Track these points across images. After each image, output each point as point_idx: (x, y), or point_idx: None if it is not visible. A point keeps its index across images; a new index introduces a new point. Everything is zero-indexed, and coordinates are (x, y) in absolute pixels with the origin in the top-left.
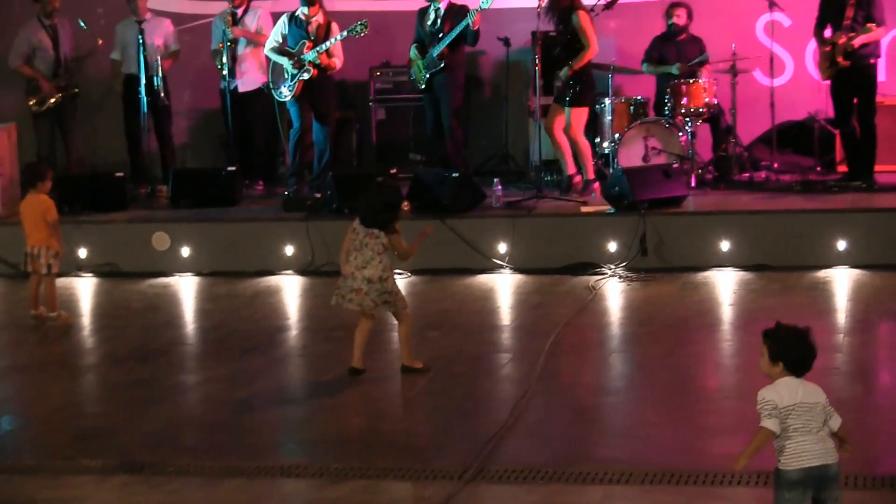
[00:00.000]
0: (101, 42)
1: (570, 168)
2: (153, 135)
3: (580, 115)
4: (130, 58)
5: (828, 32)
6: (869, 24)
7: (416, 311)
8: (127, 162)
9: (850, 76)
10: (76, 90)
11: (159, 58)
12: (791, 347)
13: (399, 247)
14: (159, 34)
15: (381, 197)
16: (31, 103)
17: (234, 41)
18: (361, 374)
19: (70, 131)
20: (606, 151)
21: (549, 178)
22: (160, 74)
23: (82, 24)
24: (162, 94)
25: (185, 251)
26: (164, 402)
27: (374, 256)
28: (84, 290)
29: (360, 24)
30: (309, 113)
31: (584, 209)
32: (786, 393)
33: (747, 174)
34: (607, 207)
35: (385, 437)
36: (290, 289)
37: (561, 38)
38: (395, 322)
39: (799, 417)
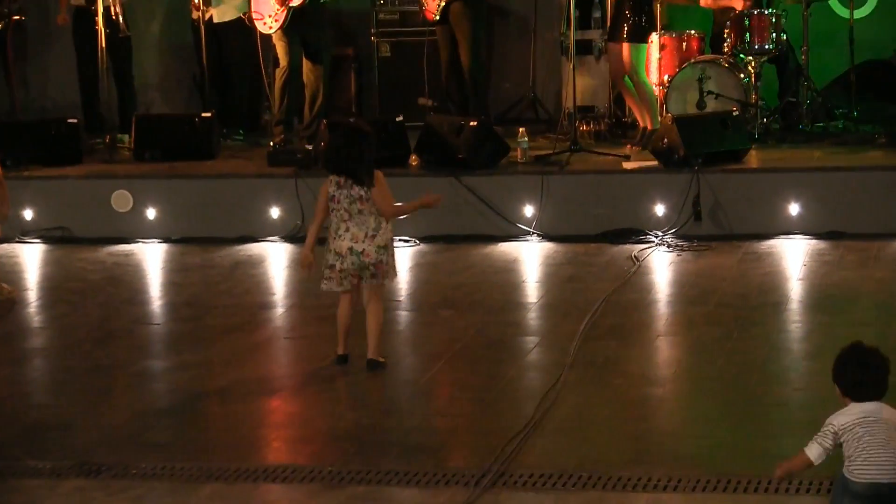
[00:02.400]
0: None
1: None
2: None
3: (643, 54)
4: None
5: None
6: None
7: (427, 286)
8: (81, 106)
9: None
10: (21, 17)
11: None
12: (843, 366)
13: (384, 198)
14: None
15: (349, 136)
16: None
17: None
18: (346, 362)
19: (14, 68)
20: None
21: (586, 126)
22: None
23: None
24: (121, 22)
25: (151, 213)
26: (126, 392)
27: (378, 220)
28: (31, 258)
29: None
30: (299, 49)
31: (626, 165)
32: (856, 413)
33: (821, 124)
34: (654, 163)
35: (389, 435)
36: (276, 258)
37: None
38: (368, 300)
39: (871, 428)
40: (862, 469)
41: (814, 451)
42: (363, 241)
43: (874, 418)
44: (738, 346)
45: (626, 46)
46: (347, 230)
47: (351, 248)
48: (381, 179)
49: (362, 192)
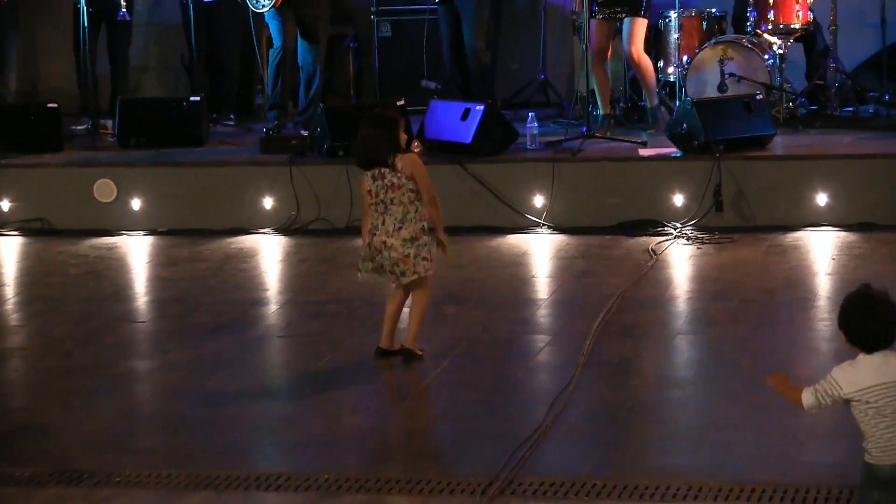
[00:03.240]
0: None
1: (653, 97)
2: (100, 56)
3: (643, 29)
4: None
5: None
6: None
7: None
8: (72, 89)
9: None
10: None
11: None
12: (849, 315)
13: (426, 190)
14: None
15: (373, 124)
16: None
17: None
18: (389, 356)
19: (9, 47)
20: (672, 79)
21: (596, 112)
22: None
23: None
24: (123, 3)
25: (136, 203)
26: (110, 394)
27: (407, 209)
28: (8, 251)
29: None
30: (294, 28)
31: (643, 152)
32: (864, 372)
33: (851, 108)
34: (673, 149)
35: (390, 440)
36: (269, 251)
37: None
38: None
39: (880, 403)
40: (885, 452)
41: (809, 400)
42: (392, 235)
43: (885, 386)
44: (762, 346)
45: (627, 20)
46: (383, 223)
47: (384, 243)
48: (419, 162)
49: (394, 179)
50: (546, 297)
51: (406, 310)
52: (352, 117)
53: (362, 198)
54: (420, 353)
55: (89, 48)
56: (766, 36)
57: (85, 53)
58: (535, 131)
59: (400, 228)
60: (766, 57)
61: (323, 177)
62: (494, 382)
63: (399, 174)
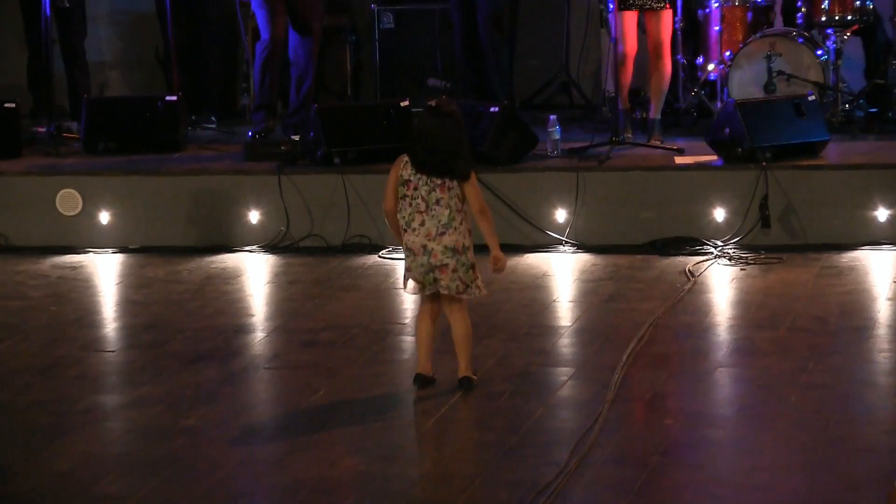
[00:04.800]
0: None
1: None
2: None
3: (670, 22)
4: None
5: None
6: None
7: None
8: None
9: None
10: None
11: None
12: None
13: (476, 199)
14: None
15: (448, 130)
16: None
17: None
18: (431, 384)
19: None
20: (712, 77)
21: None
22: None
23: None
24: None
25: (105, 217)
26: (75, 432)
27: (453, 215)
28: None
29: None
30: (284, 18)
31: (679, 160)
32: None
33: None
34: (714, 157)
35: (392, 486)
36: (255, 272)
37: None
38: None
39: None
40: None
41: None
42: (433, 239)
43: None
44: (814, 380)
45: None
46: (423, 224)
47: (424, 247)
48: (474, 176)
49: (446, 178)
50: (569, 324)
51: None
52: (349, 120)
53: (388, 185)
54: (475, 377)
55: (42, 40)
56: (819, 29)
57: (39, 47)
58: (557, 136)
59: (443, 234)
60: (820, 52)
61: (316, 187)
62: (510, 421)
63: (455, 185)
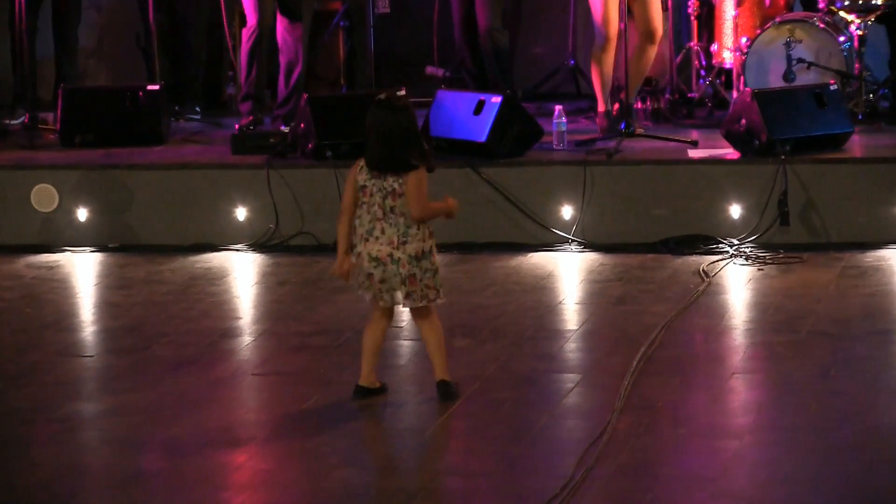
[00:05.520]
0: None
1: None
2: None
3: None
4: None
5: None
6: None
7: (438, 308)
8: (6, 75)
9: None
10: None
11: None
12: None
13: (416, 200)
14: None
15: (398, 118)
16: None
17: None
18: (373, 395)
19: None
20: (728, 65)
21: (642, 103)
22: None
23: None
24: None
25: (83, 214)
26: (51, 443)
27: (409, 223)
28: None
29: None
30: (272, 2)
31: (693, 153)
32: None
33: None
34: (730, 151)
35: (387, 500)
36: (242, 272)
37: None
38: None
39: None
40: None
41: None
42: (398, 248)
43: None
44: (836, 387)
45: None
46: (384, 232)
47: (391, 255)
48: (425, 177)
49: (395, 185)
50: (576, 327)
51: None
52: (341, 111)
53: (346, 190)
54: (456, 383)
55: (28, 24)
56: (841, 14)
57: (21, 31)
58: (563, 128)
59: (405, 242)
60: (842, 39)
61: (307, 182)
62: (513, 430)
63: (401, 181)
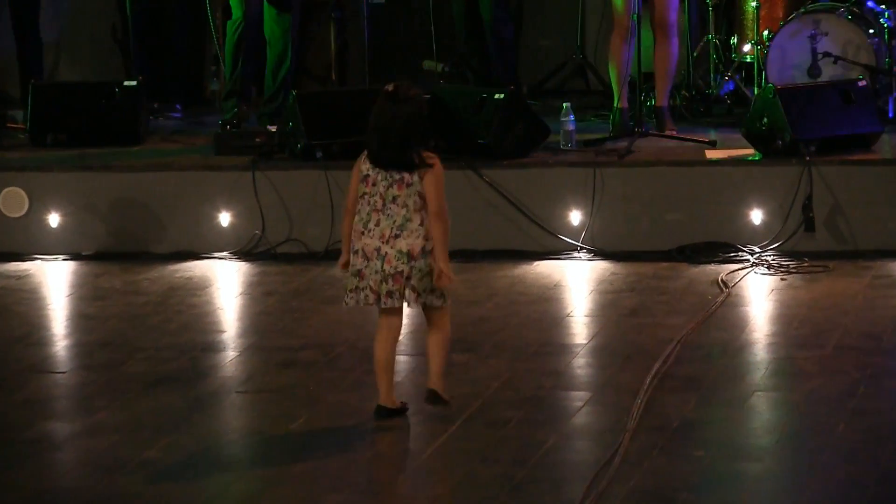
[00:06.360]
0: None
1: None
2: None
3: None
4: None
5: None
6: None
7: None
8: None
9: None
10: None
11: None
12: None
13: (435, 197)
14: None
15: (400, 111)
16: None
17: None
18: (395, 416)
19: None
20: (748, 59)
21: (650, 102)
22: None
23: None
24: None
25: (54, 219)
26: (20, 465)
27: (410, 216)
28: None
29: None
30: None
31: (711, 154)
32: None
33: None
34: (750, 151)
35: None
36: (226, 281)
37: None
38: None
39: None
40: None
41: None
42: (387, 242)
43: None
44: (865, 406)
45: None
46: (378, 224)
47: (378, 250)
48: (441, 171)
49: (405, 173)
50: (585, 342)
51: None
52: (333, 108)
53: (351, 185)
54: (447, 398)
55: None
56: (870, 4)
57: None
58: (571, 127)
59: (397, 236)
60: (871, 32)
61: (295, 185)
62: (518, 452)
63: (416, 181)
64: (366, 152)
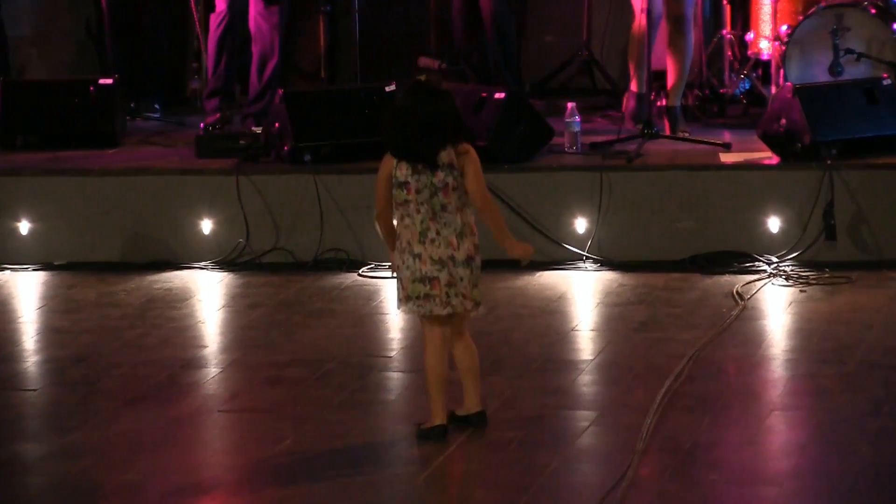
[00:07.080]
0: None
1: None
2: None
3: None
4: None
5: None
6: None
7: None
8: None
9: None
10: None
11: None
12: None
13: (480, 183)
14: None
15: (442, 105)
16: None
17: None
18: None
19: None
20: (765, 56)
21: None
22: None
23: None
24: None
25: (24, 227)
26: None
27: (465, 219)
28: None
29: None
30: None
31: (725, 158)
32: None
33: None
34: (768, 155)
35: None
36: (207, 293)
37: None
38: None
39: None
40: None
41: None
42: (458, 249)
43: None
44: (890, 426)
45: None
46: (439, 233)
47: (452, 258)
48: (475, 155)
49: (449, 178)
50: (591, 357)
51: None
52: (322, 108)
53: (378, 186)
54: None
55: None
56: None
57: None
58: (577, 129)
59: (460, 242)
60: None
61: (282, 190)
62: (520, 476)
63: (455, 171)
64: (392, 157)
